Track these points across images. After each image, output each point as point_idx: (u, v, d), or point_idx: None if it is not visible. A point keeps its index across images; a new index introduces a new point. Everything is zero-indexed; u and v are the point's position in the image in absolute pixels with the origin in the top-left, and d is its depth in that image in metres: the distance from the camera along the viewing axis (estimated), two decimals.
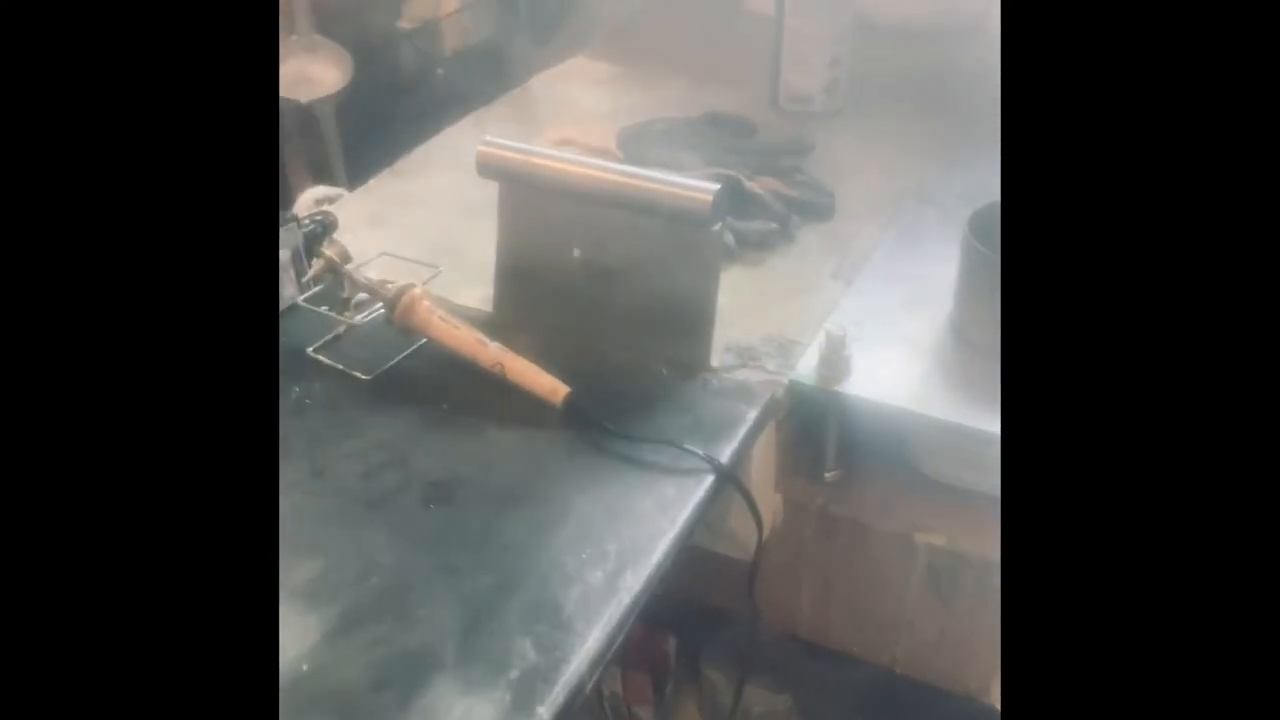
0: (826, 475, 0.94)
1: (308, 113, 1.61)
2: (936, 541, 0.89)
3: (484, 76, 1.80)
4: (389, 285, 0.90)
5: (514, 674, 0.63)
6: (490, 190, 0.94)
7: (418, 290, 0.88)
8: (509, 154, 0.89)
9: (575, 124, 1.23)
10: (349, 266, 0.92)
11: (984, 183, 0.96)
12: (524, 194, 0.91)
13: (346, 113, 1.59)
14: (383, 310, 0.90)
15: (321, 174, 1.70)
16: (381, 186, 1.23)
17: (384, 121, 1.62)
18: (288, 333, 0.95)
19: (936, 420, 0.85)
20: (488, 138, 0.91)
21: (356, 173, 1.67)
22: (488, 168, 0.90)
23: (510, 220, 0.93)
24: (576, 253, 0.91)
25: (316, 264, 0.92)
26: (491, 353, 0.85)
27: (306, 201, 1.14)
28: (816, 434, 0.92)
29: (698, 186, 0.83)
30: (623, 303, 0.90)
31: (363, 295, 0.94)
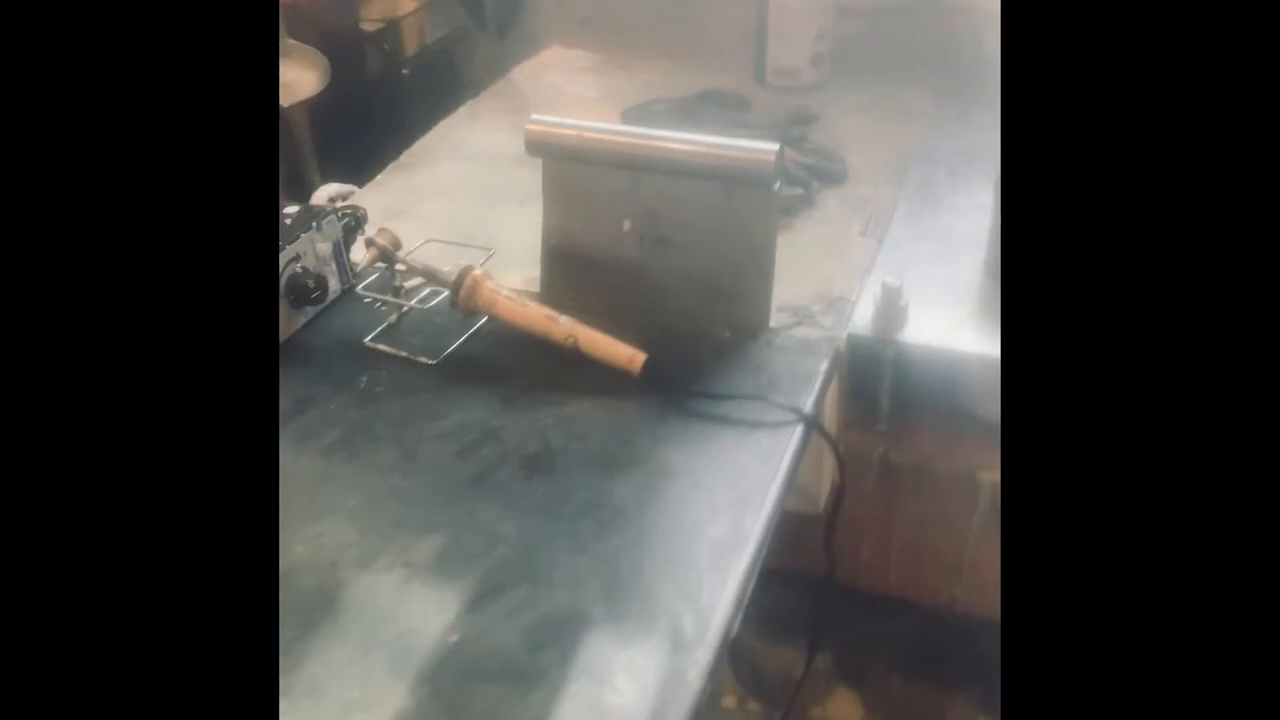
0: (880, 428, 0.97)
1: (280, 118, 1.58)
2: (999, 478, 0.92)
3: (449, 74, 1.80)
4: (445, 270, 0.89)
5: (664, 623, 0.64)
6: (503, 175, 0.94)
7: (479, 272, 0.88)
8: (559, 130, 0.90)
9: (575, 110, 1.24)
10: (401, 254, 0.91)
11: (981, 141, 1.02)
12: (572, 170, 0.92)
13: (318, 117, 1.57)
14: (427, 296, 0.90)
15: (292, 182, 1.67)
16: (390, 180, 1.22)
17: (356, 125, 1.61)
18: (337, 325, 0.94)
19: (993, 359, 0.88)
20: (535, 115, 0.91)
21: (329, 179, 1.65)
22: (536, 145, 0.91)
23: (557, 198, 0.94)
24: (627, 225, 0.92)
25: (369, 253, 0.91)
26: (563, 327, 0.86)
27: (320, 198, 1.13)
28: (872, 386, 0.95)
29: (756, 147, 0.85)
30: (678, 271, 0.91)
31: (414, 282, 0.94)
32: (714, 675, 0.62)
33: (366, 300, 0.97)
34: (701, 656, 0.62)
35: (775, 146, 0.85)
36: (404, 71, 1.72)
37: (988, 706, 1.21)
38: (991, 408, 0.95)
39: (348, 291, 0.98)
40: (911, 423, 0.96)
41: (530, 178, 0.94)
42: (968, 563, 0.99)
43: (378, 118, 1.68)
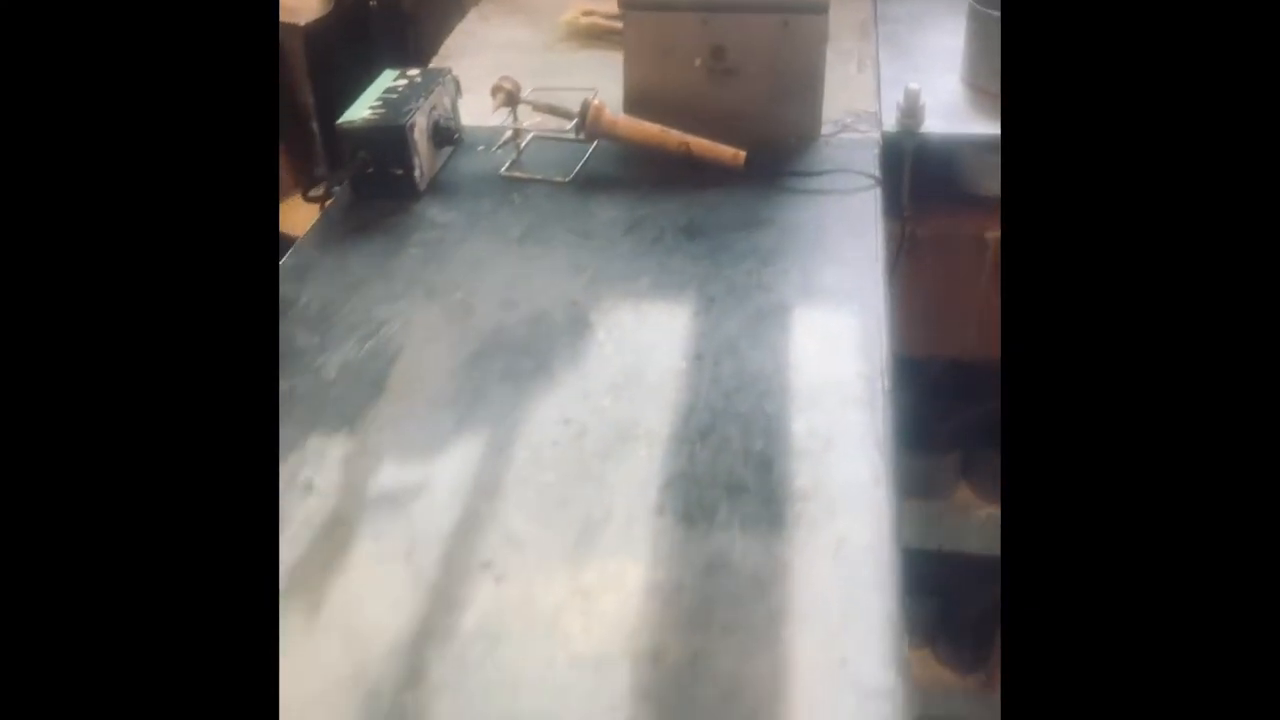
0: (905, 212, 1.22)
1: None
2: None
3: None
4: (564, 106, 1.09)
5: (826, 295, 0.87)
6: (537, 58, 1.13)
7: (597, 101, 1.08)
8: None
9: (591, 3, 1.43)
10: (524, 95, 1.10)
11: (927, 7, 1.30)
12: (651, 19, 1.12)
13: (313, 40, 1.69)
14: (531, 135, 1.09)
15: (288, 109, 1.78)
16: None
17: (355, 48, 1.73)
18: (464, 166, 1.12)
19: (989, 138, 1.15)
20: None
21: (324, 105, 1.77)
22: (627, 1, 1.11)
23: (638, 48, 1.14)
24: (698, 62, 1.13)
25: (497, 98, 1.09)
26: (675, 136, 1.07)
27: (381, 86, 1.28)
28: (897, 174, 1.20)
29: None
30: (745, 96, 1.13)
31: (533, 121, 1.12)
32: None
33: (479, 148, 1.15)
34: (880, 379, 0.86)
35: None
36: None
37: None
38: (989, 185, 1.22)
39: (458, 142, 1.15)
40: (933, 204, 1.22)
41: (562, 60, 1.14)
42: (975, 315, 1.26)
43: (376, 40, 1.79)
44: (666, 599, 0.62)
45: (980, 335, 1.28)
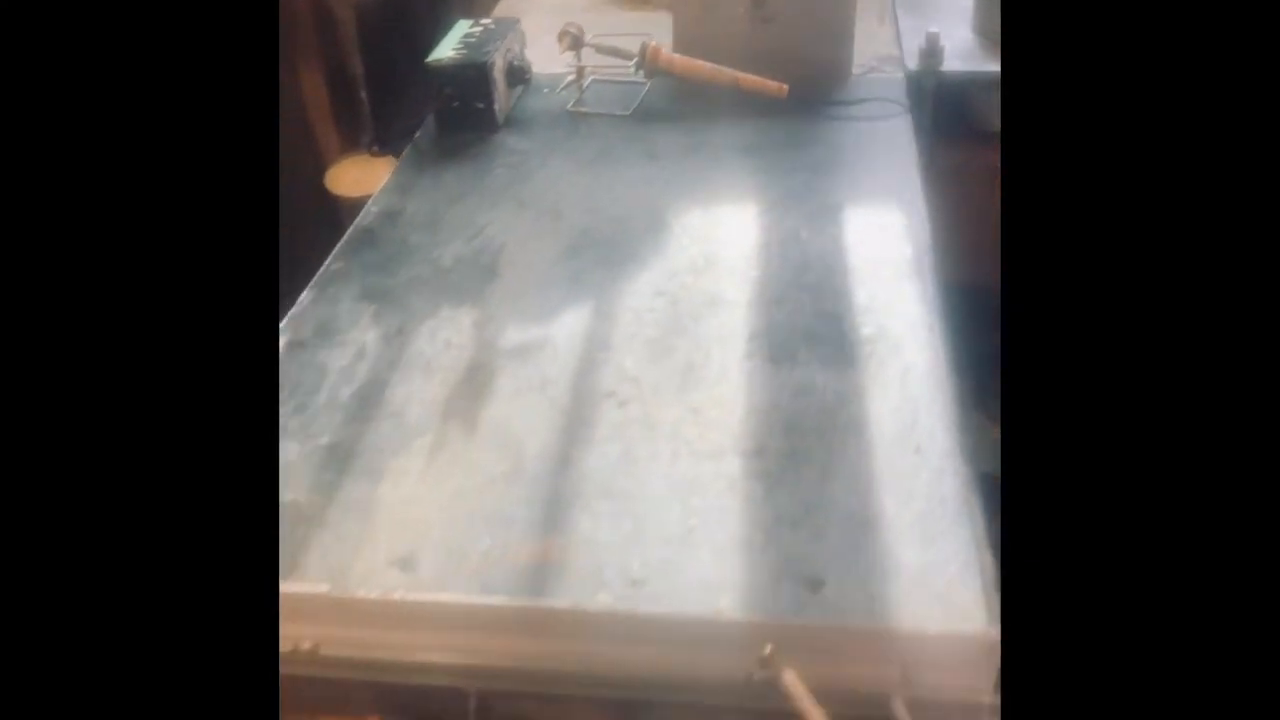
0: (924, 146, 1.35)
1: (328, 15, 1.82)
2: None
3: None
4: (624, 47, 1.21)
5: (872, 192, 1.00)
6: (585, 18, 1.24)
7: (654, 42, 1.21)
8: None
9: None
10: (588, 38, 1.22)
11: None
12: None
13: (365, 16, 1.81)
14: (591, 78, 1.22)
15: (338, 78, 1.90)
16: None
17: (396, 16, 1.85)
18: (532, 105, 1.24)
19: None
20: None
21: (373, 76, 1.89)
22: None
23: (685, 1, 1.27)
24: (740, 9, 1.26)
25: (563, 41, 1.21)
26: (727, 73, 1.19)
27: (460, 32, 1.41)
28: (918, 112, 1.33)
29: None
30: (783, 42, 1.26)
31: (592, 64, 1.25)
32: None
33: (544, 90, 1.27)
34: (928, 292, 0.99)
35: None
36: None
37: None
38: (997, 121, 1.35)
39: (528, 82, 1.27)
40: (951, 140, 1.35)
41: (607, 20, 1.27)
42: (991, 244, 1.38)
43: (422, 15, 1.90)
44: (764, 414, 0.75)
45: (994, 265, 1.41)
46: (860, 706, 0.59)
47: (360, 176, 1.88)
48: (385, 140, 1.89)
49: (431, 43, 1.28)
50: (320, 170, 1.91)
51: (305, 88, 1.90)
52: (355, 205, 1.63)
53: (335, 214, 1.79)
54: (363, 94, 1.89)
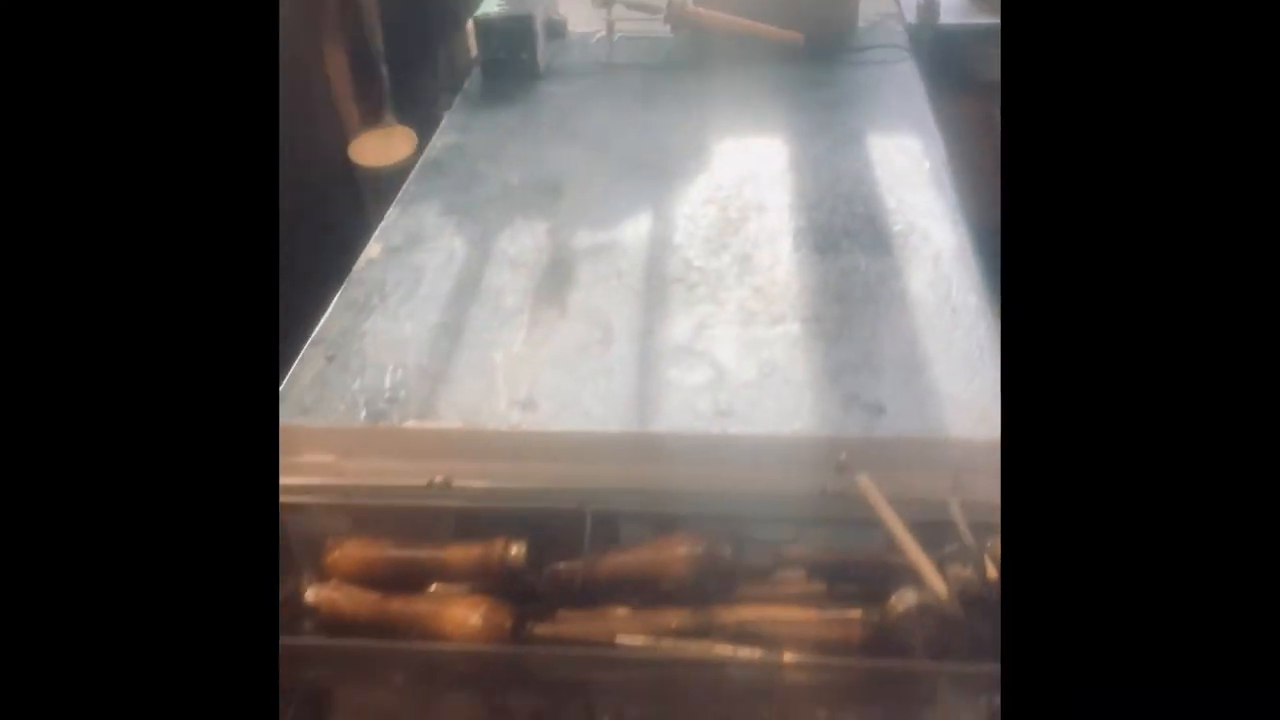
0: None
1: None
2: None
3: None
4: (650, 2, 1.32)
5: (888, 119, 1.12)
6: None
7: None
8: None
9: None
10: None
11: None
12: None
13: None
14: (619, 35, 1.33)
15: (361, 55, 1.99)
16: None
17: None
18: (567, 60, 1.35)
19: (992, 26, 1.41)
20: None
21: (394, 53, 1.98)
22: None
23: None
24: None
25: None
26: (746, 22, 1.31)
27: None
28: (917, 60, 1.45)
29: None
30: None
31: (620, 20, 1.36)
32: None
33: (575, 45, 1.38)
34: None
35: None
36: None
37: None
38: (992, 71, 1.47)
39: (563, 36, 1.38)
40: (950, 93, 1.47)
41: None
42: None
43: None
44: (817, 291, 0.86)
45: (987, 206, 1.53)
46: (921, 511, 0.70)
47: (382, 147, 1.98)
48: (403, 111, 1.99)
49: (444, 18, 1.38)
50: (344, 143, 2.01)
51: (330, 66, 1.99)
52: (378, 174, 1.74)
53: (357, 184, 1.89)
54: (383, 69, 1.98)
